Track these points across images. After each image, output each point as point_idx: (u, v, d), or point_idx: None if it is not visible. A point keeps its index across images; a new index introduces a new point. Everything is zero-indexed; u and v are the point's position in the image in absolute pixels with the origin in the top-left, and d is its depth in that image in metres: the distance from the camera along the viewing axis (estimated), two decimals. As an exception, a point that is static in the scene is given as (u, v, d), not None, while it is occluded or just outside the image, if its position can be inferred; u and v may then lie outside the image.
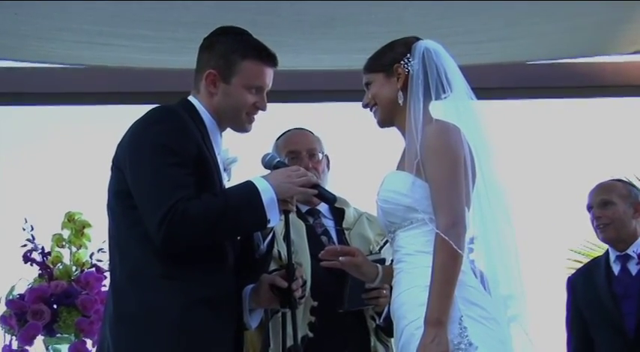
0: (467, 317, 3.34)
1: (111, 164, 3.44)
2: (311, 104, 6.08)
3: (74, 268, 4.82)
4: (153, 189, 3.27)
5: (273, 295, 3.53)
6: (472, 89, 3.58)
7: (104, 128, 6.21)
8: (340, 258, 3.65)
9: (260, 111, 3.54)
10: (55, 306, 4.69)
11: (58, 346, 4.71)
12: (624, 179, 5.41)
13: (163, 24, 5.15)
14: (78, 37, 5.27)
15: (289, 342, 3.71)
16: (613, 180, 5.16)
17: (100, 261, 4.82)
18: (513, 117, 6.70)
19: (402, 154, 3.60)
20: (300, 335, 3.72)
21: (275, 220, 3.37)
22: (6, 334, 4.74)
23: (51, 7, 4.93)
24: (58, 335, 4.70)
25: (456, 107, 3.56)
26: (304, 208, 4.24)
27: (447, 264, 3.31)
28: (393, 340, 3.94)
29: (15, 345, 4.70)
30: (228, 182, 3.54)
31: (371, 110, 3.64)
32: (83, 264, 4.84)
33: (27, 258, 4.80)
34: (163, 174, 3.28)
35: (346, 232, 4.24)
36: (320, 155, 4.29)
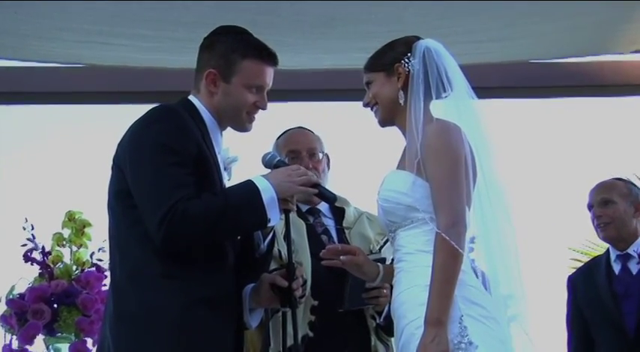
0: (467, 316, 3.33)
1: (111, 163, 3.44)
2: (311, 103, 6.08)
3: (74, 267, 4.82)
4: (153, 189, 3.27)
5: (274, 294, 3.53)
6: (473, 88, 3.57)
7: (104, 127, 6.20)
8: (341, 257, 3.65)
9: (260, 111, 3.54)
10: (55, 306, 4.69)
11: (58, 345, 4.71)
12: (625, 178, 5.40)
13: (163, 24, 5.14)
14: (78, 36, 5.26)
15: (289, 342, 3.71)
16: (613, 179, 5.16)
17: (101, 260, 4.83)
18: (514, 116, 6.69)
19: (402, 153, 3.59)
20: (300, 335, 3.72)
21: (275, 219, 3.37)
22: (6, 333, 4.74)
23: (51, 6, 4.93)
24: (59, 334, 4.70)
25: (457, 106, 3.56)
26: (304, 207, 4.24)
27: (448, 263, 3.31)
28: (393, 339, 3.94)
29: (15, 345, 4.70)
30: (229, 181, 3.54)
31: (372, 109, 3.64)
32: (83, 264, 4.84)
33: (27, 258, 4.80)
34: (163, 173, 3.27)
35: (346, 231, 4.23)
36: (320, 154, 4.29)
